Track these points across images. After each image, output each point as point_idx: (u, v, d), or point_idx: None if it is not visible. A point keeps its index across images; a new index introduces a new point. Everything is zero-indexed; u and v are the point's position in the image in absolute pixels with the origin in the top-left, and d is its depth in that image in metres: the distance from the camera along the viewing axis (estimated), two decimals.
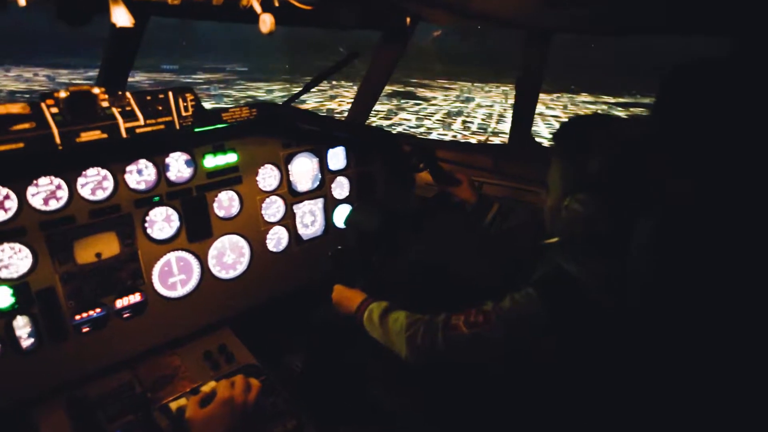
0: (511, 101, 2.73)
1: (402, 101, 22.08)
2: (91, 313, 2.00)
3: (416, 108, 21.11)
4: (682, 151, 1.19)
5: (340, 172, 2.74)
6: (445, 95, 23.55)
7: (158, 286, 2.18)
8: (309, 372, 2.42)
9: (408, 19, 2.44)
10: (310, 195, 2.62)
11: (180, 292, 2.25)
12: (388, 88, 22.35)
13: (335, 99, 19.93)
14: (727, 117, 1.14)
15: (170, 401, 1.90)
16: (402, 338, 1.70)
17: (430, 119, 20.16)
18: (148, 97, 1.86)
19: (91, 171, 1.91)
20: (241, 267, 2.44)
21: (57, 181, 1.85)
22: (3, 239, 1.76)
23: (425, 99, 22.58)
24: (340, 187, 2.75)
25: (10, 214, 1.77)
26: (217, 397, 1.49)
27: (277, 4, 1.61)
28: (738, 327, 1.14)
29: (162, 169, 2.09)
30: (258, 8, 1.60)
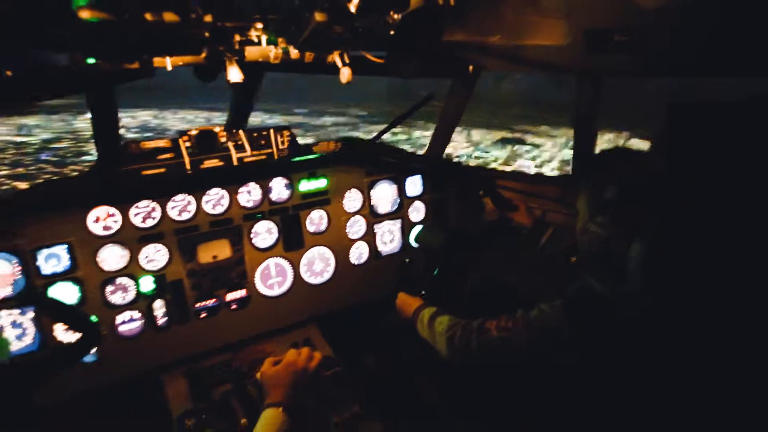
0: None
1: (515, 147, 21.55)
2: (207, 302, 2.35)
3: (531, 155, 20.46)
4: (679, 184, 1.23)
5: (417, 198, 2.91)
6: (553, 142, 22.62)
7: (259, 285, 2.48)
8: (378, 369, 2.58)
9: (471, 68, 2.55)
10: (389, 216, 2.82)
11: (276, 291, 2.54)
12: (497, 134, 22.09)
13: (450, 143, 20.12)
14: (723, 156, 1.17)
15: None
16: (443, 338, 1.81)
17: (547, 165, 19.36)
18: (255, 134, 2.24)
19: (213, 191, 2.29)
20: (327, 275, 2.67)
21: (188, 198, 2.25)
22: (150, 240, 2.18)
23: (535, 145, 21.86)
24: (417, 211, 2.91)
25: (155, 221, 2.19)
26: (285, 359, 1.70)
27: (349, 60, 1.87)
28: (721, 343, 1.15)
29: (266, 191, 2.42)
30: (339, 63, 1.89)
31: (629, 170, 1.42)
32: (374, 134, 2.73)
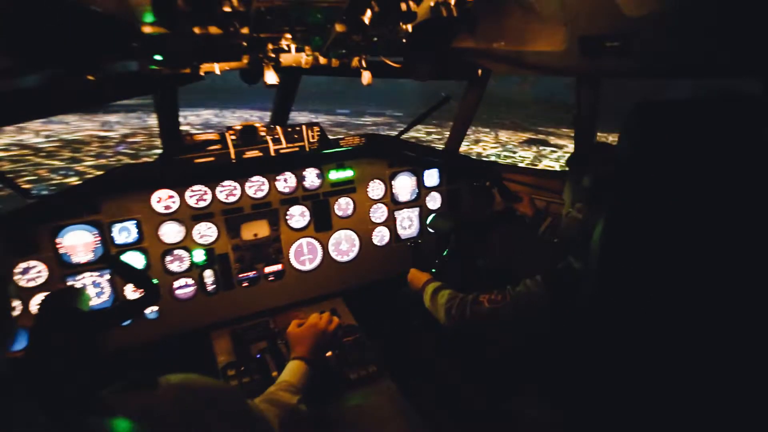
0: None
1: (540, 148, 20.94)
2: (249, 273, 2.50)
3: (555, 155, 19.87)
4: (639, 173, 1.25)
5: (434, 188, 2.96)
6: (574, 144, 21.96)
7: (293, 261, 2.61)
8: (392, 336, 2.67)
9: (480, 71, 2.60)
10: (409, 204, 2.89)
11: (308, 267, 2.66)
12: (522, 135, 21.53)
13: (479, 143, 19.61)
14: (678, 149, 1.19)
15: None
16: (443, 309, 1.89)
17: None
18: (290, 129, 2.37)
19: (255, 178, 2.44)
20: (353, 254, 2.78)
21: (234, 183, 2.40)
22: (202, 219, 2.35)
23: (558, 146, 21.16)
24: (434, 200, 2.97)
25: (207, 203, 2.35)
26: (308, 321, 1.82)
27: (368, 64, 1.97)
28: (672, 319, 1.15)
29: (300, 179, 2.55)
30: (363, 66, 2.00)
31: (603, 163, 1.47)
32: (412, 133, 2.79)
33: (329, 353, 2.13)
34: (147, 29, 1.29)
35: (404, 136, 2.87)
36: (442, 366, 2.44)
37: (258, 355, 2.14)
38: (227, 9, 1.24)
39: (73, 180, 13.92)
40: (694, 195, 1.11)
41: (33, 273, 2.06)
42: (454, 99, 2.84)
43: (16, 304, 2.02)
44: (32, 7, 1.11)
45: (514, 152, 18.50)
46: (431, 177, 2.94)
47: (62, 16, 1.14)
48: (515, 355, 1.99)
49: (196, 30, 1.33)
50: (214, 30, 1.35)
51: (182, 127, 2.32)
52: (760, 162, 1.15)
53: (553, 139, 22.54)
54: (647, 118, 1.21)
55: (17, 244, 2.04)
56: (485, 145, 19.34)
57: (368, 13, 1.45)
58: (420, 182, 2.91)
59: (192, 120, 25.67)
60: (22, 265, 2.05)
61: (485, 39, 1.97)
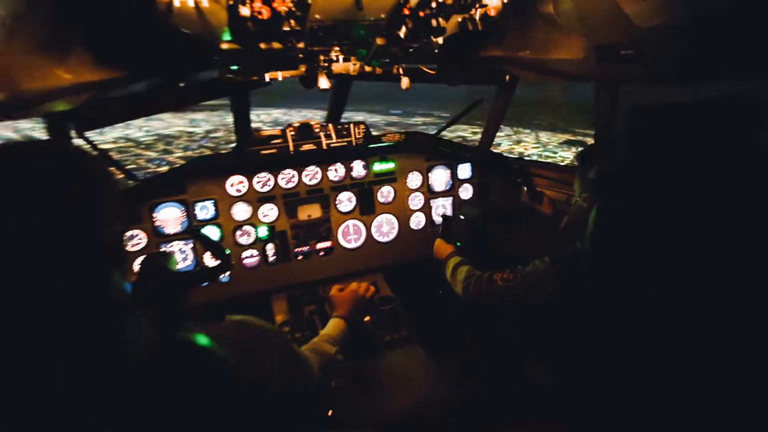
0: None
1: (579, 149, 19.83)
2: (303, 248, 2.66)
3: None
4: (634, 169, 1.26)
5: (466, 181, 3.01)
6: None
7: (341, 239, 2.76)
8: (422, 306, 2.74)
9: (507, 77, 2.63)
10: (443, 194, 2.96)
11: (353, 245, 2.79)
12: (561, 137, 20.49)
13: (521, 143, 18.88)
14: (669, 147, 1.18)
15: None
16: (460, 284, 1.94)
17: None
18: (339, 126, 2.53)
19: (310, 167, 2.61)
20: (392, 235, 2.88)
21: (292, 172, 2.58)
22: (266, 201, 2.54)
23: None
24: (466, 191, 3.02)
25: (270, 188, 2.55)
26: (348, 288, 1.95)
27: (406, 71, 2.08)
28: (658, 302, 1.14)
29: (348, 169, 2.70)
30: (401, 73, 2.11)
31: (607, 158, 1.51)
32: (453, 131, 2.87)
33: (367, 318, 2.28)
34: (224, 45, 1.49)
35: (442, 133, 2.95)
36: (463, 333, 2.52)
37: (308, 316, 2.33)
38: (286, 28, 1.40)
39: (165, 168, 14.98)
40: (682, 189, 1.13)
41: (136, 240, 2.35)
42: (487, 101, 2.88)
43: None
44: (138, 30, 1.32)
45: (555, 152, 17.76)
46: (464, 170, 2.99)
47: (159, 37, 1.35)
48: (526, 327, 2.03)
49: (262, 45, 1.51)
50: (276, 45, 1.53)
51: (254, 124, 2.52)
52: (751, 160, 1.16)
53: (590, 140, 21.32)
54: (640, 120, 1.24)
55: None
56: (526, 144, 18.69)
57: (403, 28, 1.57)
58: (454, 175, 2.97)
59: (264, 118, 26.58)
60: (128, 234, 2.33)
61: (512, 48, 2.01)
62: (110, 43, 1.41)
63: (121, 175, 2.36)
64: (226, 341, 0.86)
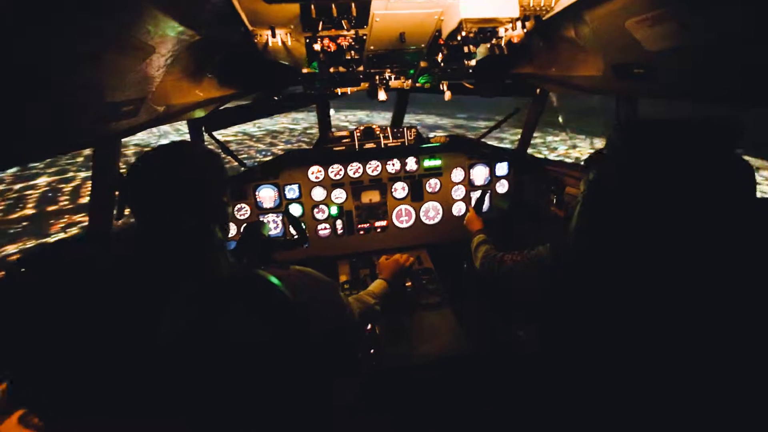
0: None
1: None
2: (365, 225, 2.84)
3: None
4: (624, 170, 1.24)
5: (503, 177, 2.99)
6: None
7: (394, 220, 2.89)
8: (456, 278, 2.84)
9: (538, 90, 2.59)
10: (482, 187, 2.98)
11: (405, 225, 2.90)
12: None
13: (576, 148, 17.32)
14: (652, 155, 1.17)
15: None
16: (479, 261, 1.97)
17: None
18: (395, 130, 2.68)
19: (372, 162, 2.77)
20: (437, 219, 2.94)
21: (358, 164, 2.75)
22: (337, 186, 2.75)
23: None
24: (502, 186, 3.00)
25: (341, 176, 2.75)
26: (393, 257, 2.09)
27: (449, 86, 2.17)
28: (638, 286, 1.13)
29: (403, 164, 2.81)
30: (445, 88, 2.22)
31: (601, 164, 1.49)
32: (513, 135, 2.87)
33: (409, 283, 2.46)
34: (305, 70, 1.72)
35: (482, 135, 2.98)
36: (480, 301, 2.58)
37: (363, 277, 2.56)
38: (349, 57, 1.60)
39: (268, 158, 16.11)
40: (655, 193, 1.14)
41: (242, 211, 2.73)
42: (523, 110, 2.86)
43: (233, 227, 2.73)
44: (246, 61, 1.60)
45: None
46: (501, 168, 2.98)
47: (262, 66, 1.62)
48: (526, 300, 2.06)
49: (332, 70, 1.72)
50: (342, 69, 1.73)
51: (342, 123, 2.79)
52: (724, 174, 1.14)
53: None
54: (626, 133, 1.26)
55: (235, 192, 2.68)
56: (582, 149, 17.19)
57: (440, 55, 1.69)
58: (492, 172, 2.97)
59: (350, 118, 27.27)
60: (237, 206, 2.71)
61: (540, 66, 2.02)
62: (228, 70, 1.71)
63: (235, 163, 2.75)
64: (287, 281, 1.01)
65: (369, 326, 2.22)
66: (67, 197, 13.09)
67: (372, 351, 2.12)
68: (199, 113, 2.00)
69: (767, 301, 1.02)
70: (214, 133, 2.44)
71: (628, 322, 1.16)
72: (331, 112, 2.50)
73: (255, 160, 16.38)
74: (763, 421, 1.00)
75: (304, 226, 1.94)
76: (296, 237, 1.93)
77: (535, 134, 3.10)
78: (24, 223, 10.82)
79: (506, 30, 1.35)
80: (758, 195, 1.17)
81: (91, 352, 0.71)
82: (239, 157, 2.71)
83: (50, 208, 12.05)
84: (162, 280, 0.77)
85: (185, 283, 0.78)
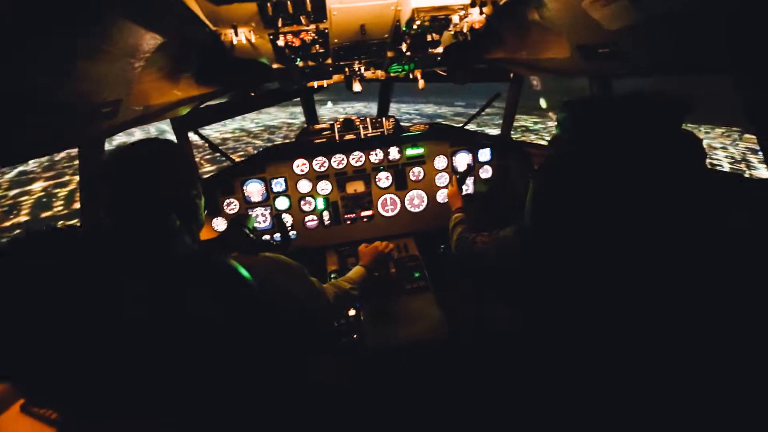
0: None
1: None
2: (350, 215, 2.88)
3: None
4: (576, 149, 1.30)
5: (486, 163, 3.02)
6: None
7: (380, 210, 2.93)
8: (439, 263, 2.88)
9: (511, 75, 2.61)
10: (460, 173, 2.95)
11: (390, 214, 2.95)
12: None
13: None
14: (598, 132, 1.23)
15: None
16: (454, 242, 2.02)
17: None
18: (374, 120, 2.72)
19: (355, 152, 2.82)
20: (422, 207, 2.98)
21: (342, 156, 2.80)
22: (322, 178, 2.80)
23: None
24: (486, 172, 3.03)
25: (325, 168, 2.80)
26: (373, 245, 2.15)
27: (422, 74, 2.20)
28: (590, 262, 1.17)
29: (386, 153, 2.85)
30: (418, 76, 2.26)
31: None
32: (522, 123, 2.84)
33: (393, 270, 2.53)
34: (274, 65, 1.77)
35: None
36: (460, 282, 2.64)
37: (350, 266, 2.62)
38: (314, 51, 1.65)
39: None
40: (605, 171, 1.19)
41: (232, 206, 2.80)
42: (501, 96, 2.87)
43: (222, 221, 2.81)
44: (219, 61, 1.65)
45: None
46: (484, 154, 3.01)
47: (233, 64, 1.67)
48: (499, 279, 2.11)
49: (300, 64, 1.77)
50: (311, 63, 1.78)
51: (340, 115, 2.81)
52: (670, 147, 1.19)
53: None
54: (573, 111, 1.30)
55: (225, 187, 2.76)
56: None
57: (404, 45, 1.73)
58: (475, 158, 3.00)
59: (348, 110, 27.23)
60: (227, 201, 2.79)
61: (510, 51, 2.03)
62: (203, 70, 1.77)
63: (226, 161, 2.81)
64: (253, 267, 1.07)
65: (353, 312, 2.31)
66: (61, 202, 13.16)
67: (355, 336, 2.21)
68: (181, 112, 2.06)
69: (716, 265, 1.06)
70: (204, 131, 2.50)
71: (589, 298, 1.20)
72: (329, 104, 2.54)
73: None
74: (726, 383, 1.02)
75: (291, 233, 1.96)
76: (280, 241, 2.00)
77: (536, 118, 3.10)
78: (17, 231, 10.89)
79: (461, 18, 1.39)
80: (707, 165, 1.22)
81: (62, 335, 0.78)
82: (237, 153, 2.77)
83: (45, 214, 12.11)
84: (119, 265, 0.85)
85: (140, 265, 0.86)
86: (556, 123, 1.36)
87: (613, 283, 1.16)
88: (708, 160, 1.23)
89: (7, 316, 0.73)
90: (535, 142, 3.05)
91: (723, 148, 15.74)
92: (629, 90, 1.33)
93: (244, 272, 1.02)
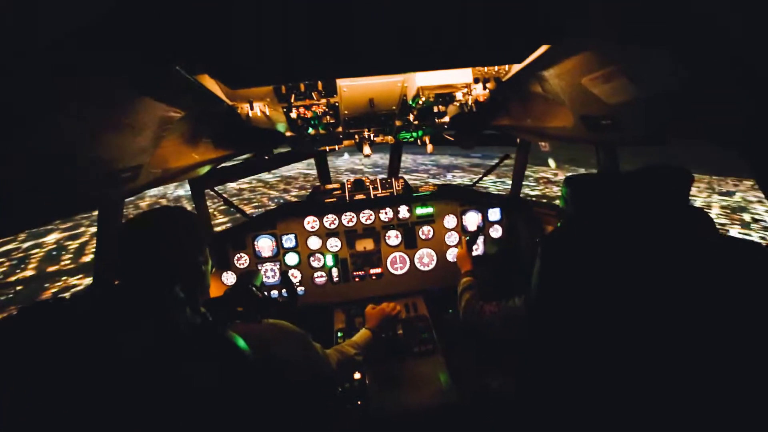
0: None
1: None
2: (360, 273, 2.87)
3: None
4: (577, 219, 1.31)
5: (496, 222, 3.02)
6: (697, 188, 17.30)
7: (389, 267, 2.92)
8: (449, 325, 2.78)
9: (518, 140, 2.68)
10: (469, 233, 2.96)
11: (399, 272, 2.94)
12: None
13: None
14: (600, 204, 1.25)
15: None
16: (462, 308, 1.97)
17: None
18: (383, 180, 2.79)
19: (365, 211, 2.86)
20: (432, 266, 2.96)
21: (352, 214, 2.84)
22: (332, 235, 2.83)
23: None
24: (496, 231, 3.02)
25: (335, 226, 2.84)
26: (379, 307, 2.11)
27: (429, 139, 2.29)
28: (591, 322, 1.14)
29: (395, 212, 2.89)
30: (426, 141, 2.34)
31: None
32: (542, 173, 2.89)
33: (400, 332, 2.45)
34: (288, 134, 1.87)
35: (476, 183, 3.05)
36: (466, 349, 2.53)
37: (357, 326, 2.55)
38: (325, 121, 1.74)
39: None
40: (605, 245, 1.17)
41: (242, 260, 2.83)
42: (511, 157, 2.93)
43: (232, 275, 2.82)
44: (235, 128, 1.76)
45: None
46: (494, 213, 3.01)
47: (247, 132, 1.77)
48: (503, 348, 2.02)
49: (312, 132, 1.86)
50: (321, 131, 1.87)
51: (357, 167, 2.89)
52: (673, 220, 1.17)
53: None
54: (574, 187, 1.31)
55: (236, 242, 2.82)
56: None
57: (411, 115, 1.81)
58: (485, 217, 3.00)
59: (365, 161, 28.07)
60: (237, 255, 2.82)
61: (516, 118, 2.11)
62: (221, 135, 1.88)
63: (239, 215, 2.88)
64: (253, 336, 1.09)
65: (358, 375, 2.21)
66: (70, 256, 13.11)
67: (359, 402, 2.09)
68: (198, 173, 2.16)
69: (731, 344, 1.00)
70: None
71: (596, 377, 1.15)
72: (345, 156, 2.64)
73: (267, 207, 16.53)
74: None
75: (300, 289, 1.97)
76: (288, 297, 2.01)
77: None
78: (19, 287, 10.64)
79: (465, 95, 1.46)
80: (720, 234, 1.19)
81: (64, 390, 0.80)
82: (252, 204, 2.86)
83: (51, 268, 11.89)
84: (117, 328, 0.87)
85: (139, 331, 0.88)
86: (560, 196, 1.36)
87: (617, 363, 1.12)
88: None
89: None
90: (546, 200, 3.03)
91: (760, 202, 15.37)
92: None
93: (241, 344, 1.04)
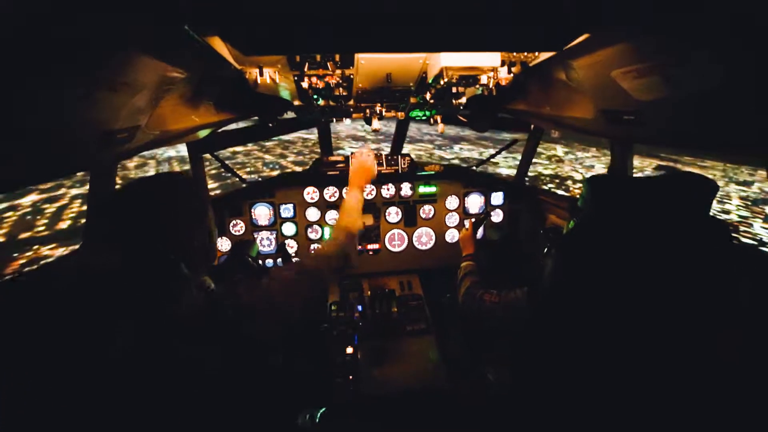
0: None
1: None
2: (357, 247, 2.77)
3: None
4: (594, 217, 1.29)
5: (498, 207, 2.98)
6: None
7: (387, 244, 2.89)
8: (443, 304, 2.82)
9: (532, 126, 2.61)
10: (476, 216, 2.96)
11: (397, 249, 2.91)
12: (651, 161, 18.15)
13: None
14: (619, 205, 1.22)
15: None
16: (461, 295, 1.93)
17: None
18: (390, 158, 2.71)
19: (368, 186, 2.81)
20: (430, 245, 2.94)
21: None
22: (331, 208, 2.76)
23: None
24: (497, 215, 3.00)
25: (335, 198, 2.76)
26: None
27: (441, 118, 2.20)
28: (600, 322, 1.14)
29: (398, 189, 2.83)
30: (439, 120, 2.25)
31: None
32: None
33: (394, 309, 2.46)
34: (296, 102, 1.77)
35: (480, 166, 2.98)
36: (460, 331, 2.57)
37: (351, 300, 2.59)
38: (337, 93, 1.64)
39: (276, 172, 15.74)
40: (623, 248, 1.15)
41: (237, 227, 2.77)
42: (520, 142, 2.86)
43: (227, 242, 2.77)
44: (240, 93, 1.65)
45: None
46: (497, 198, 2.98)
47: (253, 97, 1.67)
48: (501, 337, 2.04)
49: (322, 103, 1.77)
50: (332, 102, 1.77)
51: (359, 133, 2.79)
52: (694, 233, 1.15)
53: (680, 167, 18.61)
54: (596, 186, 1.27)
55: (233, 209, 2.74)
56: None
57: (428, 94, 1.72)
58: (487, 200, 2.97)
59: (366, 128, 27.26)
60: (233, 222, 2.75)
61: (533, 104, 2.03)
62: (224, 99, 1.77)
63: (236, 179, 2.81)
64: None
65: (351, 350, 2.24)
66: (45, 220, 11.57)
67: (351, 377, 2.13)
68: (198, 136, 2.06)
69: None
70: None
71: (601, 373, 1.16)
72: (347, 121, 2.48)
73: (260, 174, 16.01)
74: None
75: (295, 260, 1.94)
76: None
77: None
78: None
79: (489, 78, 1.38)
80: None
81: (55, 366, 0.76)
82: (245, 168, 2.77)
83: (23, 236, 10.39)
84: (116, 305, 0.83)
85: (139, 311, 0.84)
86: (579, 195, 1.32)
87: (621, 365, 1.12)
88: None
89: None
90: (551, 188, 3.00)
91: None
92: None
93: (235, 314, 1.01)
